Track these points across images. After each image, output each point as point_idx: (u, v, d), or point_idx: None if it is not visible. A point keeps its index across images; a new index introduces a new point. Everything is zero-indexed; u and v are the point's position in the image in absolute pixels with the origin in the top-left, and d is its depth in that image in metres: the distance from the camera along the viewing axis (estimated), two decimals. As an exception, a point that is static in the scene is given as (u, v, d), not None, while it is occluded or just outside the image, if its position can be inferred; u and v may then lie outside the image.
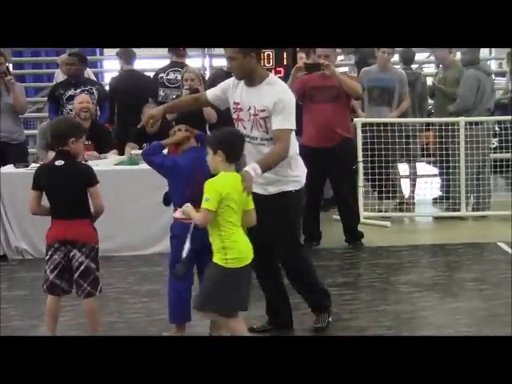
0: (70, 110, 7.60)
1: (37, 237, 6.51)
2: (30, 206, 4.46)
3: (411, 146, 8.00)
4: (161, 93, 8.11)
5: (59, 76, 9.34)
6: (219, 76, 7.90)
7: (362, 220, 7.10)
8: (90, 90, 7.85)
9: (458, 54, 10.28)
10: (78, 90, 7.73)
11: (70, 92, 7.77)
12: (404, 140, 7.83)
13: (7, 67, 7.65)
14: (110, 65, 13.83)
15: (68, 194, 4.37)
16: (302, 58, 7.36)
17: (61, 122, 4.60)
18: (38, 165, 6.68)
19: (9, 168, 6.88)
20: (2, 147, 7.47)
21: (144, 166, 6.64)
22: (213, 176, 3.98)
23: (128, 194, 6.48)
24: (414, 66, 9.22)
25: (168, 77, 8.40)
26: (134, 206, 6.46)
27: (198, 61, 11.42)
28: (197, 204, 3.96)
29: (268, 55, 7.09)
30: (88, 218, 4.44)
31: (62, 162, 4.37)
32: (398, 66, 8.41)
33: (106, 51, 14.32)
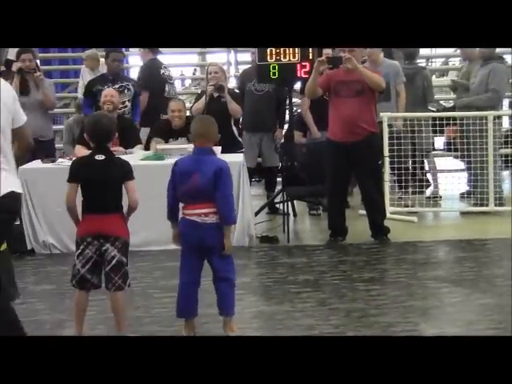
0: None
1: (64, 231, 6.57)
2: (68, 198, 4.48)
3: (421, 141, 7.94)
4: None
5: (85, 72, 9.40)
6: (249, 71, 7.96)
7: (388, 215, 7.05)
8: (127, 85, 7.90)
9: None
10: (116, 86, 7.77)
11: (107, 89, 7.80)
12: (422, 135, 7.79)
13: (36, 63, 7.69)
14: (135, 60, 13.89)
15: (105, 188, 4.42)
16: (327, 52, 7.34)
17: (105, 118, 4.60)
18: (65, 160, 6.76)
19: (36, 163, 6.93)
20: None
21: (170, 160, 6.69)
22: None
23: (154, 189, 6.43)
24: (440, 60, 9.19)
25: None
26: (159, 201, 6.42)
27: (223, 56, 11.42)
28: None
29: (293, 50, 7.06)
30: (121, 212, 4.48)
31: (103, 157, 4.42)
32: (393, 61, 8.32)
33: (132, 48, 14.39)
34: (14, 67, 7.49)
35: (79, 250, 4.47)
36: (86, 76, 9.33)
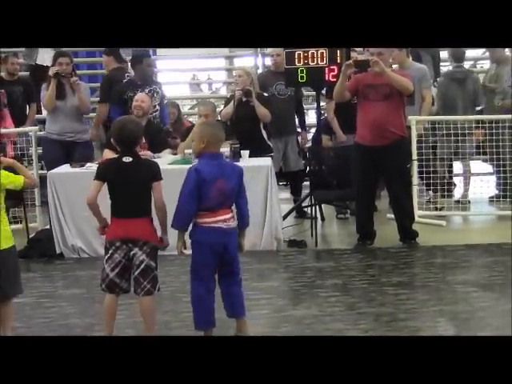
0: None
1: (92, 236, 6.61)
2: (90, 194, 4.46)
3: (463, 144, 7.88)
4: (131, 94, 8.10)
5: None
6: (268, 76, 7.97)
7: (416, 219, 7.01)
8: (155, 89, 7.95)
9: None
10: (147, 90, 7.81)
11: (139, 92, 7.84)
12: (458, 138, 7.73)
13: (73, 68, 7.73)
14: (163, 64, 13.96)
15: (133, 191, 4.42)
16: (354, 56, 7.32)
17: (131, 123, 4.62)
18: (93, 164, 6.80)
19: (65, 168, 6.98)
20: (69, 146, 7.60)
21: (197, 165, 6.72)
22: None
23: (182, 193, 6.50)
24: (468, 63, 9.13)
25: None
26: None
27: (251, 60, 11.42)
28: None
29: (322, 53, 7.07)
30: (149, 216, 4.48)
31: (130, 159, 4.44)
32: (447, 64, 8.28)
33: (159, 51, 14.46)
34: (51, 71, 7.53)
35: (108, 255, 4.48)
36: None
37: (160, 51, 14.35)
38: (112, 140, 4.77)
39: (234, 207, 4.51)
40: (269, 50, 8.78)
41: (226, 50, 12.98)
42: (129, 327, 4.82)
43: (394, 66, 7.80)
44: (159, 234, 4.56)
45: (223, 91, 14.93)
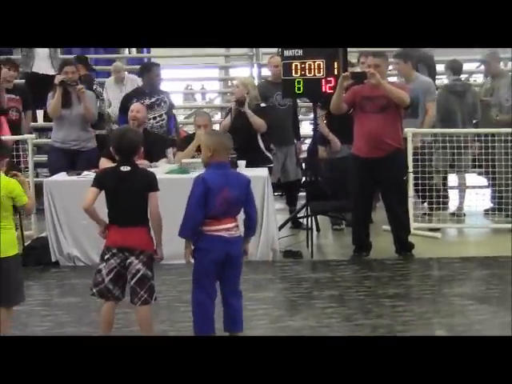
0: (148, 119, 7.76)
1: (88, 244, 6.60)
2: (87, 200, 4.45)
3: (459, 157, 7.90)
4: (97, 104, 8.13)
5: (110, 85, 9.45)
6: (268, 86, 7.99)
7: (412, 231, 7.01)
8: (163, 98, 7.98)
9: (509, 64, 10.23)
10: (154, 99, 7.87)
11: (146, 101, 7.89)
12: (454, 151, 7.75)
13: (80, 76, 7.74)
14: (165, 74, 13.97)
15: (130, 200, 4.43)
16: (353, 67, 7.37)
17: (131, 132, 4.63)
18: (90, 173, 6.79)
19: (61, 176, 6.96)
20: (73, 155, 7.59)
21: (195, 174, 6.69)
22: None
23: (179, 203, 6.44)
24: (463, 77, 9.16)
25: (98, 89, 8.66)
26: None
27: (247, 70, 11.47)
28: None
29: (319, 65, 7.05)
30: (146, 225, 4.48)
31: (128, 168, 4.44)
32: (444, 77, 8.32)
33: (153, 61, 14.47)
34: (57, 80, 7.52)
35: (105, 259, 4.47)
36: (110, 88, 9.39)
37: (154, 61, 14.40)
38: (111, 148, 4.77)
39: (239, 216, 4.54)
40: (267, 61, 8.78)
41: (221, 60, 13.07)
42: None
43: (401, 79, 7.85)
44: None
45: (217, 101, 14.97)
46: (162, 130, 7.90)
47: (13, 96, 8.08)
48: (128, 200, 4.45)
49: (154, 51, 14.56)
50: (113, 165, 5.54)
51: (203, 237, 4.40)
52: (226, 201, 4.37)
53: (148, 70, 8.11)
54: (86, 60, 9.21)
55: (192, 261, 4.49)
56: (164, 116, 7.94)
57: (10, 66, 8.20)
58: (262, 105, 7.62)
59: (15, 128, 7.92)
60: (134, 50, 14.48)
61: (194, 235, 4.44)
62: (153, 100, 7.86)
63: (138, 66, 12.56)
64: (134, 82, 9.46)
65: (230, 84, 13.36)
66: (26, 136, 7.60)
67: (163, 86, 8.76)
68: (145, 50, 14.66)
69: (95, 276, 4.49)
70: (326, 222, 8.02)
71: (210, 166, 4.49)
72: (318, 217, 7.81)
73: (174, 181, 6.62)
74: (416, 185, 7.57)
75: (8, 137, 7.25)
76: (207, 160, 4.50)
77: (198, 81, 16.20)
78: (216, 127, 9.04)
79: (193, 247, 4.49)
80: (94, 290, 4.48)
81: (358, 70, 7.16)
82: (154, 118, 7.92)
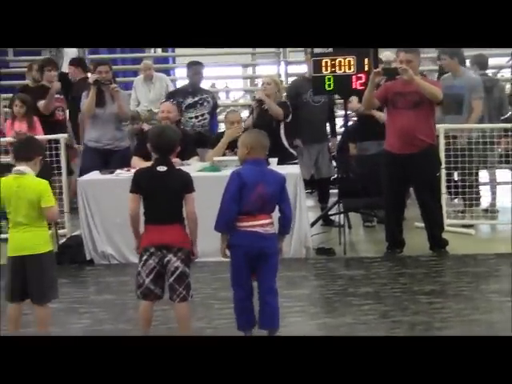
0: (189, 118, 7.81)
1: (122, 242, 6.63)
2: (132, 207, 4.53)
3: (490, 153, 7.84)
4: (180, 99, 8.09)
5: (138, 84, 9.48)
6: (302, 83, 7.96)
7: (445, 227, 6.97)
8: (207, 98, 8.02)
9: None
10: (197, 98, 7.95)
11: (189, 100, 7.97)
12: (484, 146, 7.70)
13: (113, 75, 7.77)
14: (181, 73, 14.01)
15: (167, 199, 4.46)
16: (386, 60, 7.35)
17: (170, 130, 4.66)
18: (122, 171, 6.82)
19: (95, 174, 7.01)
20: (106, 154, 7.63)
21: (226, 172, 6.70)
22: None
23: (211, 201, 6.44)
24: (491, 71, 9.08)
25: None
26: (216, 212, 6.47)
27: (274, 68, 11.47)
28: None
29: (349, 61, 7.04)
30: (183, 223, 4.50)
31: (165, 168, 4.45)
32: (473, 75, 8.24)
33: (178, 59, 14.52)
34: (91, 79, 7.60)
35: (142, 261, 4.49)
36: (138, 87, 9.43)
37: (179, 60, 14.46)
38: (149, 146, 4.79)
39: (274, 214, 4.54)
40: (300, 58, 8.80)
41: (244, 58, 13.06)
42: (164, 333, 4.79)
43: (447, 75, 7.79)
44: None
45: (242, 100, 14.99)
46: (203, 130, 7.94)
47: (57, 96, 8.08)
48: (164, 200, 4.47)
49: (179, 50, 14.63)
50: (146, 164, 5.60)
51: (238, 232, 4.43)
52: (260, 197, 4.38)
53: (189, 69, 8.13)
54: (83, 63, 9.20)
55: (228, 254, 4.51)
56: (206, 115, 7.99)
57: (51, 67, 8.26)
58: (285, 101, 7.65)
59: (61, 128, 7.89)
60: (159, 49, 14.54)
61: (228, 230, 4.46)
62: (196, 99, 7.95)
63: (164, 65, 12.75)
64: (162, 81, 9.52)
65: (256, 82, 13.38)
66: (58, 135, 7.63)
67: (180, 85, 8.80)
68: (169, 48, 14.74)
69: (137, 278, 4.51)
70: (357, 219, 7.99)
71: (247, 163, 4.52)
72: (349, 214, 7.79)
73: (205, 179, 6.62)
74: (448, 181, 7.53)
75: (41, 136, 7.30)
76: (243, 157, 4.52)
77: (225, 79, 16.18)
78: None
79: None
80: (138, 293, 4.50)
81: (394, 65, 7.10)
82: (196, 117, 7.97)
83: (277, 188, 4.48)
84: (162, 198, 4.45)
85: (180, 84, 11.65)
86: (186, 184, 4.51)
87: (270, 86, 7.63)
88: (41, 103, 7.75)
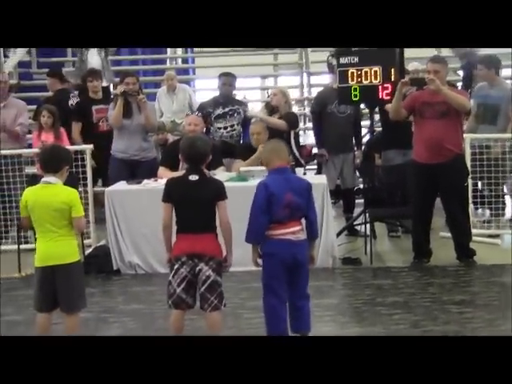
0: (218, 129, 7.84)
1: (149, 252, 6.67)
2: (165, 217, 4.54)
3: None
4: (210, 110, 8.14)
5: (161, 95, 9.51)
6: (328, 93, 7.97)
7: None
8: (237, 109, 8.05)
9: None
10: (227, 109, 7.97)
11: (219, 111, 7.99)
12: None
13: (140, 86, 7.79)
14: (201, 84, 14.09)
15: (199, 208, 4.47)
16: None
17: (200, 141, 4.67)
18: (150, 181, 6.84)
19: (122, 184, 7.04)
20: (134, 165, 7.64)
21: (253, 182, 6.71)
22: None
23: (238, 211, 6.45)
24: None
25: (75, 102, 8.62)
26: (243, 223, 6.46)
27: (296, 79, 11.49)
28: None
29: (375, 71, 7.05)
30: (214, 232, 4.50)
31: (197, 177, 4.47)
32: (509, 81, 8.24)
33: (198, 71, 14.61)
34: (118, 90, 7.65)
35: (174, 270, 4.49)
36: (161, 99, 9.45)
37: (199, 71, 14.54)
38: (180, 156, 4.81)
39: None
40: (323, 68, 8.85)
41: (270, 69, 13.11)
42: (194, 343, 4.79)
43: (482, 84, 7.76)
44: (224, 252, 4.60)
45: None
46: (232, 141, 7.95)
47: (101, 106, 8.11)
48: (197, 209, 4.48)
49: (199, 61, 14.72)
50: (173, 174, 5.63)
51: (270, 241, 4.45)
52: (289, 205, 4.41)
53: (220, 79, 8.18)
54: (60, 74, 9.21)
55: (260, 263, 4.51)
56: (236, 127, 8.00)
57: (92, 78, 8.33)
58: (293, 111, 7.72)
59: (106, 138, 7.86)
60: (179, 60, 14.62)
61: (259, 241, 4.48)
62: (226, 110, 7.96)
63: (185, 77, 12.80)
64: (185, 92, 9.52)
65: (267, 94, 13.45)
66: (84, 146, 7.68)
67: (201, 97, 8.83)
68: (190, 59, 14.81)
69: (168, 288, 4.51)
70: (382, 229, 7.97)
71: (271, 172, 4.58)
72: (375, 224, 7.77)
73: (232, 189, 6.61)
74: (474, 191, 7.49)
75: (67, 146, 7.34)
76: (268, 170, 4.61)
77: (244, 90, 16.28)
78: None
79: (260, 252, 4.51)
80: (170, 302, 4.49)
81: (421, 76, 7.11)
82: (225, 128, 7.98)
83: (304, 195, 4.51)
84: (194, 206, 4.46)
85: (200, 95, 11.74)
86: (218, 192, 4.52)
87: (277, 96, 7.76)
88: (110, 116, 7.72)
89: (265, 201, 4.41)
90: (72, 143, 8.13)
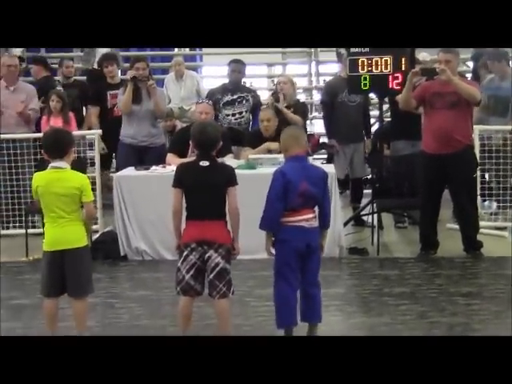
0: (226, 115, 7.84)
1: (156, 238, 6.68)
2: (175, 203, 4.52)
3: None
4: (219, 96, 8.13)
5: (169, 82, 9.48)
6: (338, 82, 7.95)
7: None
8: (246, 96, 8.02)
9: None
10: (235, 96, 7.95)
11: (227, 98, 7.96)
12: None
13: (150, 72, 7.76)
14: (208, 71, 14.06)
15: (210, 194, 4.45)
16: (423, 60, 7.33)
17: (211, 127, 4.65)
18: (158, 168, 6.84)
19: (130, 170, 7.03)
20: (142, 151, 7.63)
21: (262, 170, 6.72)
22: None
23: (246, 198, 6.43)
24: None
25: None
26: (251, 210, 6.44)
27: (305, 67, 11.46)
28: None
29: (386, 61, 7.04)
30: (224, 219, 4.50)
31: (207, 163, 4.46)
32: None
33: (206, 58, 14.57)
34: (128, 75, 7.62)
35: (183, 257, 4.48)
36: (170, 85, 9.42)
37: (206, 58, 14.50)
38: (191, 142, 4.80)
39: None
40: (332, 57, 8.81)
41: (279, 57, 13.06)
42: (202, 330, 4.80)
43: (492, 77, 7.74)
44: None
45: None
46: (240, 128, 7.93)
47: (117, 91, 8.03)
48: (207, 195, 4.47)
49: (206, 48, 14.65)
50: (181, 160, 5.62)
51: (284, 228, 4.45)
52: (305, 193, 4.42)
53: (230, 66, 8.14)
54: (45, 61, 9.21)
55: (273, 251, 4.52)
56: (244, 114, 7.97)
57: (107, 63, 8.33)
58: (301, 101, 7.67)
59: (120, 123, 7.81)
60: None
61: (274, 228, 4.48)
62: (234, 97, 7.94)
63: (192, 63, 12.77)
64: (193, 78, 9.50)
65: (273, 82, 13.40)
66: (93, 131, 7.68)
67: (208, 84, 8.79)
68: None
69: (176, 275, 4.50)
70: (388, 219, 7.96)
71: (288, 160, 4.56)
72: (381, 214, 7.76)
73: (240, 176, 6.61)
74: (482, 183, 7.48)
75: (76, 132, 7.35)
76: (286, 157, 4.59)
77: (251, 78, 16.26)
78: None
79: (273, 239, 4.52)
80: (178, 289, 4.49)
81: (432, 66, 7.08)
82: (233, 115, 7.95)
83: (319, 184, 4.52)
84: (205, 192, 4.45)
85: (207, 82, 11.71)
86: (229, 177, 4.52)
87: (287, 85, 7.70)
88: (120, 102, 7.70)
89: (281, 188, 4.41)
90: (89, 127, 8.16)
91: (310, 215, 4.47)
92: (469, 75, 9.08)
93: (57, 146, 4.51)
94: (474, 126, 7.20)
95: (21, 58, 9.27)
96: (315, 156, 8.41)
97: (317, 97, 11.43)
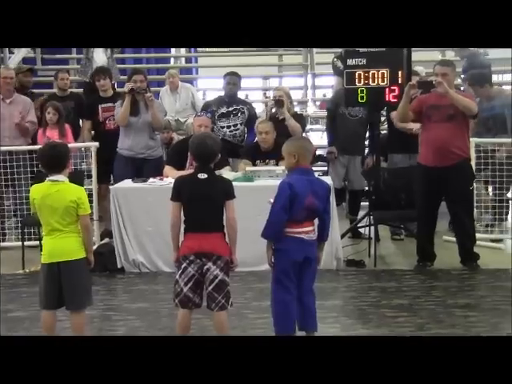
0: (221, 127, 7.85)
1: (153, 250, 6.67)
2: (173, 215, 4.52)
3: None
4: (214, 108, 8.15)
5: (164, 94, 9.48)
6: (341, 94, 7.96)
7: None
8: (242, 109, 8.02)
9: None
10: (231, 108, 7.96)
11: (223, 109, 7.96)
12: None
13: (148, 84, 7.75)
14: (204, 84, 14.11)
15: (208, 207, 4.46)
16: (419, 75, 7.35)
17: (210, 139, 4.64)
18: (155, 180, 6.84)
19: (127, 182, 7.03)
20: (140, 163, 7.59)
21: (259, 182, 6.73)
22: None
23: (243, 211, 6.43)
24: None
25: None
26: (249, 223, 6.45)
27: (300, 80, 11.48)
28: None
29: (382, 74, 7.04)
30: (222, 231, 4.50)
31: (206, 176, 4.46)
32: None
33: (201, 71, 14.63)
34: (126, 88, 7.61)
35: (181, 269, 4.48)
36: (164, 98, 9.42)
37: (202, 71, 14.55)
38: (190, 154, 4.80)
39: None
40: (328, 70, 8.84)
41: (275, 70, 13.13)
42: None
43: (477, 100, 7.77)
44: None
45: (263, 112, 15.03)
46: (235, 140, 7.93)
47: (109, 104, 8.03)
48: (205, 207, 4.47)
49: (202, 61, 14.72)
50: (179, 173, 5.62)
51: (285, 238, 4.46)
52: (309, 207, 4.44)
53: (225, 79, 8.14)
54: (31, 72, 9.21)
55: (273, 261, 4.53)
56: (239, 126, 7.95)
57: (99, 77, 8.30)
58: (299, 112, 7.68)
59: (113, 136, 7.78)
60: (182, 60, 14.62)
61: (277, 237, 4.49)
62: (230, 109, 7.94)
63: (187, 76, 12.80)
64: (188, 90, 9.50)
65: (267, 94, 13.43)
66: (89, 144, 7.67)
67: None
68: (193, 59, 14.81)
69: (174, 287, 4.50)
70: (385, 232, 7.97)
71: (294, 172, 4.54)
72: (378, 226, 7.77)
73: (238, 188, 6.61)
74: (479, 195, 7.50)
75: (73, 144, 7.35)
76: (291, 166, 4.56)
77: (245, 91, 16.32)
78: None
79: (273, 247, 4.54)
80: (177, 301, 4.49)
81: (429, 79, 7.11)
82: (228, 127, 7.94)
83: (323, 198, 4.56)
84: (203, 205, 4.46)
85: (202, 95, 11.73)
86: (227, 191, 4.53)
87: (283, 97, 7.70)
88: (117, 114, 7.67)
89: (288, 200, 4.41)
90: (83, 140, 8.16)
91: (310, 228, 4.50)
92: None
93: (53, 161, 4.52)
94: (471, 139, 7.24)
95: (31, 70, 9.28)
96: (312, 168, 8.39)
97: (312, 109, 11.46)
